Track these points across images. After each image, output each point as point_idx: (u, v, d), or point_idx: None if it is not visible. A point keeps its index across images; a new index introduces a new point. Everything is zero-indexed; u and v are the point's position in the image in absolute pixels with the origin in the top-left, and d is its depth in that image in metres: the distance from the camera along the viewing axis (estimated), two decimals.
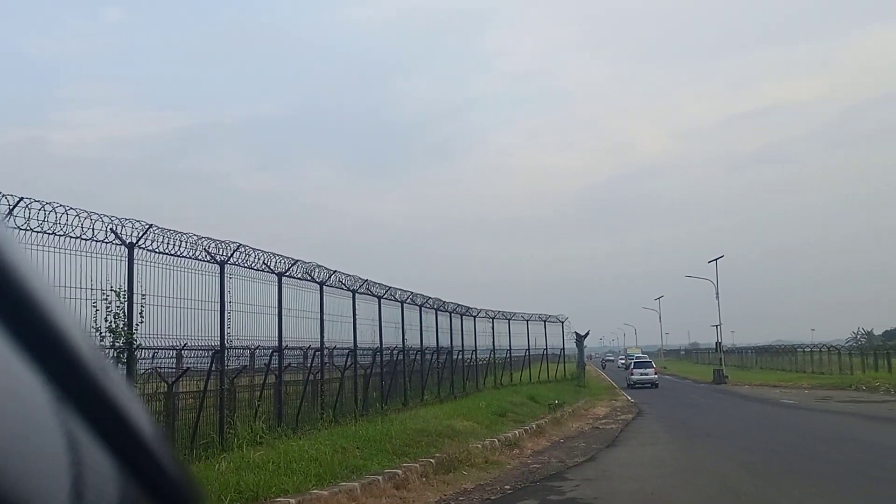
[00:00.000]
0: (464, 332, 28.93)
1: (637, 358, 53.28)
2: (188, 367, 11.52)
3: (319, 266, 15.56)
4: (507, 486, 11.32)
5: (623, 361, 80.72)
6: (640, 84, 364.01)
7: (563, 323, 43.14)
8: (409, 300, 21.87)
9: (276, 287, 13.81)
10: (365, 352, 18.26)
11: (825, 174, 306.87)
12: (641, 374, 45.68)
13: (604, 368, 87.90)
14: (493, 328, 33.73)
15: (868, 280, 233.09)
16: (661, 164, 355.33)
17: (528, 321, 38.77)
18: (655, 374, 46.68)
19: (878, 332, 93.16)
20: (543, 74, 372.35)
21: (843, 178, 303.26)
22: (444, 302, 26.10)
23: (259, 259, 13.15)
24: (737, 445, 15.97)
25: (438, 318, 25.45)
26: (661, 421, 23.08)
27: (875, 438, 16.84)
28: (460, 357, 27.83)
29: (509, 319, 35.99)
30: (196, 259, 11.49)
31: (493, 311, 33.89)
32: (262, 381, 13.45)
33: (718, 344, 59.13)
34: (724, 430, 19.37)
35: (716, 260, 57.44)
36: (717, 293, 57.12)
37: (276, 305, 13.76)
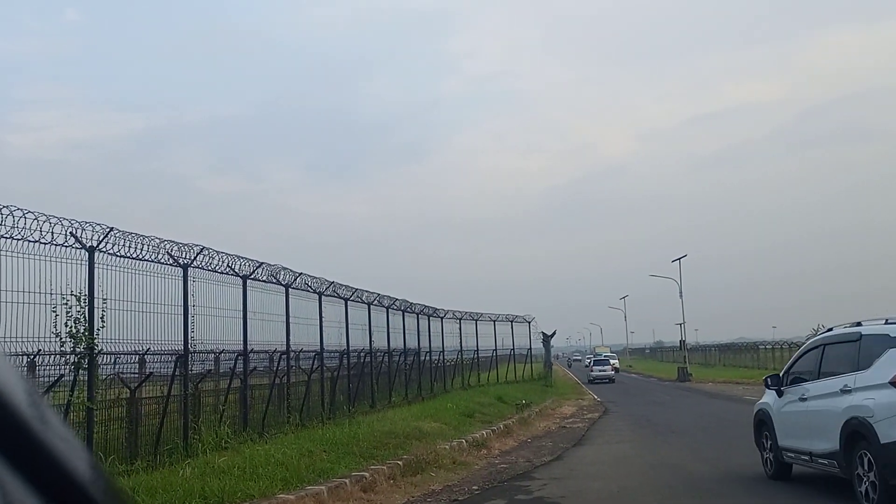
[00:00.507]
0: (431, 334, 28.92)
1: (597, 356, 61.02)
2: (151, 372, 11.35)
3: (285, 268, 15.44)
4: (474, 487, 11.34)
5: (590, 360, 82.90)
6: (603, 86, 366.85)
7: (529, 323, 43.36)
8: (376, 302, 21.81)
9: (241, 290, 13.68)
10: (332, 354, 18.17)
11: (783, 175, 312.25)
12: (600, 371, 51.85)
13: (570, 367, 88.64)
14: (460, 329, 33.78)
15: (826, 278, 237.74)
16: (624, 165, 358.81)
17: (495, 322, 38.89)
18: (612, 370, 53.56)
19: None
20: (508, 76, 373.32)
21: (801, 178, 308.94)
22: (412, 303, 26.09)
23: (223, 262, 13.01)
24: (702, 442, 16.19)
25: (406, 319, 25.42)
26: (627, 419, 23.32)
27: None
28: (428, 358, 27.81)
29: (476, 320, 36.07)
30: (158, 262, 11.32)
31: (460, 311, 33.94)
32: (227, 386, 13.30)
33: (682, 342, 60.10)
34: (688, 427, 19.61)
35: (679, 259, 58.25)
36: (681, 292, 57.88)
37: (242, 309, 13.63)
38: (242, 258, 13.71)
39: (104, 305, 9.98)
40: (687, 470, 12.19)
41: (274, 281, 14.99)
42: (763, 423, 11.02)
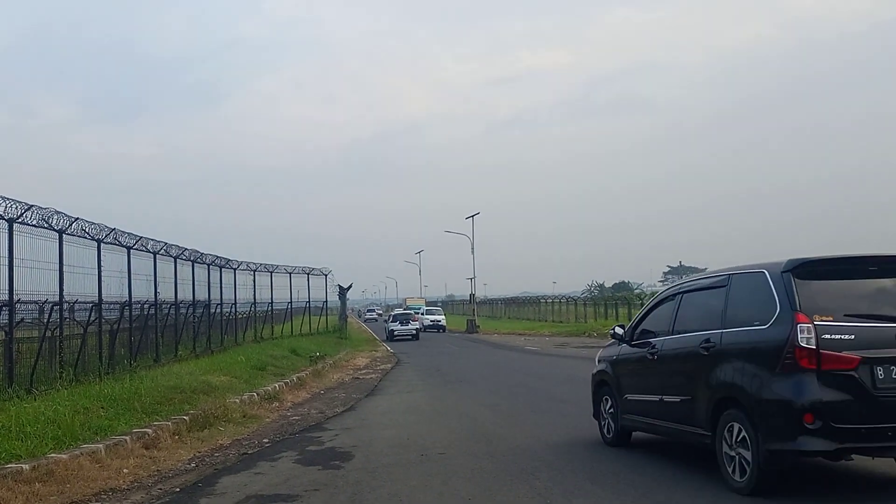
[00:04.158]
0: (223, 285, 27.98)
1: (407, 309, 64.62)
2: None
3: (59, 212, 14.14)
4: (265, 440, 11.22)
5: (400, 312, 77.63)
6: (404, 41, 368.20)
7: (326, 276, 43.29)
8: (162, 251, 20.64)
9: (7, 235, 12.37)
10: (113, 306, 17.02)
11: (568, 139, 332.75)
12: (369, 314, 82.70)
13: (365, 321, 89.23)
14: (254, 281, 33.01)
15: (601, 236, 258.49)
16: (423, 122, 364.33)
17: (291, 274, 38.39)
18: (378, 315, 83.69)
19: (608, 284, 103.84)
20: (309, 22, 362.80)
21: (581, 142, 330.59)
22: (202, 254, 25.00)
23: None
24: (486, 390, 17.11)
25: (195, 270, 24.34)
26: (418, 369, 24.09)
27: None
28: (219, 311, 26.91)
29: (272, 272, 35.38)
30: None
31: (254, 263, 33.11)
32: None
33: (472, 296, 63.01)
34: (475, 376, 20.64)
35: (472, 216, 60.67)
36: (473, 248, 60.35)
37: (7, 255, 12.34)
38: (8, 199, 12.37)
39: None
40: (471, 416, 12.84)
41: (46, 226, 13.70)
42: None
